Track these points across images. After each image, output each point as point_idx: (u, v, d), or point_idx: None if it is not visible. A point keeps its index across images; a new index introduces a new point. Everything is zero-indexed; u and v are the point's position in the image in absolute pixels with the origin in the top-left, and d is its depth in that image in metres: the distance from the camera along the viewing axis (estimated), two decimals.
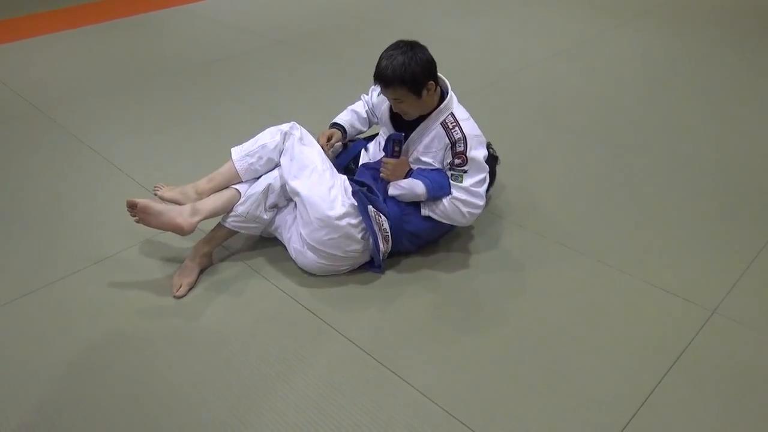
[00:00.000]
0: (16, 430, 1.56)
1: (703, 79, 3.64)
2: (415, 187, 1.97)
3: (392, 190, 2.01)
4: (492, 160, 2.38)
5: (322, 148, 2.12)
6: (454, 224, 2.05)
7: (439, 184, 1.96)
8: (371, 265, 2.08)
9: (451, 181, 1.97)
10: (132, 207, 1.94)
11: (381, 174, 2.04)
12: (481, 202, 1.99)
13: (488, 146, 2.37)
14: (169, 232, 2.06)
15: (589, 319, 1.87)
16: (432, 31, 4.51)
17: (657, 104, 3.33)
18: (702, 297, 1.94)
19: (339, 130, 2.26)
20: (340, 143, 2.26)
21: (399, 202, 2.03)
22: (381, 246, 2.00)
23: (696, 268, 2.08)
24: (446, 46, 4.15)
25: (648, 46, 4.20)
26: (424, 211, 2.02)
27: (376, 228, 1.97)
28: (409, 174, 2.02)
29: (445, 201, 1.97)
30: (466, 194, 1.96)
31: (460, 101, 2.05)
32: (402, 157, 2.07)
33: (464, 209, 1.97)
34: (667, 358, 1.73)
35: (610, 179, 2.62)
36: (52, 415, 1.60)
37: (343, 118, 2.29)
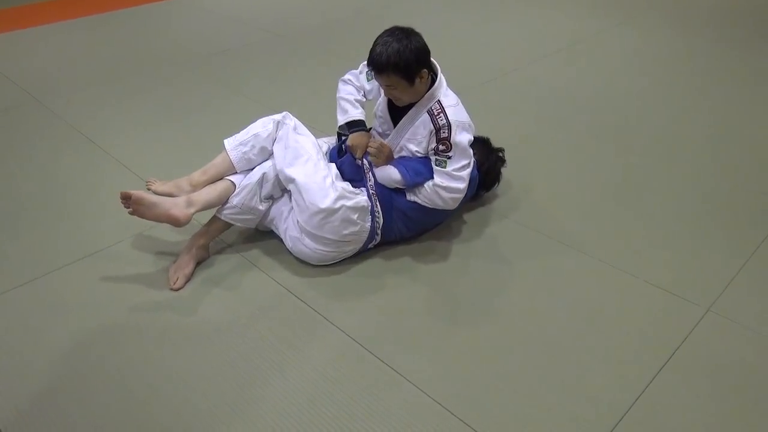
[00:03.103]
0: (11, 419, 1.56)
1: (701, 79, 3.64)
2: (392, 173, 2.02)
3: (377, 175, 2.07)
4: (498, 162, 2.39)
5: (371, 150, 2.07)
6: (439, 209, 2.06)
7: (415, 171, 2.01)
8: (368, 243, 2.09)
9: (435, 167, 2.00)
10: (126, 198, 1.93)
11: (368, 156, 2.07)
12: (463, 186, 2.00)
13: (497, 150, 2.39)
14: (164, 225, 2.05)
15: (585, 315, 1.88)
16: (431, 27, 4.47)
17: (656, 103, 3.33)
18: (697, 295, 1.94)
19: (364, 129, 2.14)
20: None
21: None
22: (377, 207, 2.03)
23: (691, 266, 2.08)
24: (445, 42, 4.15)
25: (647, 45, 4.19)
26: (409, 197, 2.06)
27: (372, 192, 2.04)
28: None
29: (427, 186, 2.01)
30: (448, 179, 1.98)
31: (456, 94, 2.06)
32: (382, 141, 2.09)
33: (445, 195, 2.00)
34: (662, 354, 1.73)
35: (607, 177, 2.62)
36: (47, 405, 1.60)
37: (354, 112, 2.15)
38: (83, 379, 1.68)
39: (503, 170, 2.43)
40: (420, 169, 2.01)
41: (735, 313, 1.87)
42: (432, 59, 2.01)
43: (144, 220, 1.97)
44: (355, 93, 2.20)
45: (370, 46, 1.93)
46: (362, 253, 2.12)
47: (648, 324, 1.84)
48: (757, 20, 4.64)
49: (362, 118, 2.16)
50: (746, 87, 3.49)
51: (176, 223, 1.96)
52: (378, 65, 1.89)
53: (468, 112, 2.05)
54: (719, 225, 2.29)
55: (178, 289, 1.98)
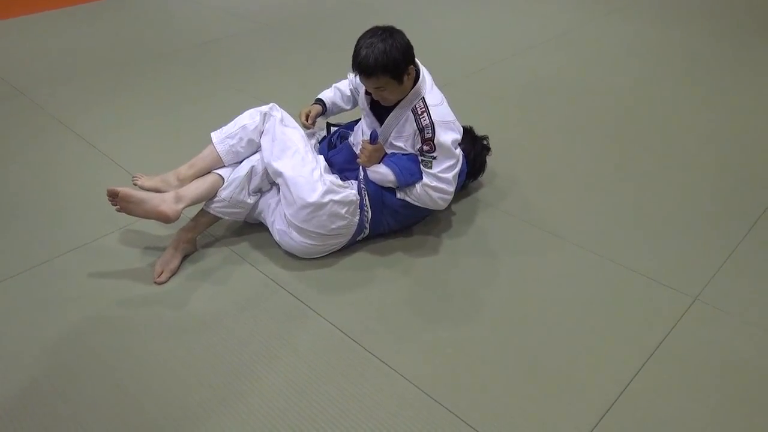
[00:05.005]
0: None
1: (692, 70, 3.64)
2: (387, 175, 2.01)
3: (369, 175, 2.04)
4: (483, 150, 2.38)
5: (304, 123, 2.15)
6: (428, 208, 2.06)
7: (409, 171, 1.99)
8: (356, 236, 2.08)
9: (422, 167, 1.99)
10: (113, 196, 1.90)
11: (358, 159, 2.06)
12: (451, 188, 2.01)
13: (482, 138, 2.38)
14: (151, 220, 2.03)
15: (572, 305, 1.88)
16: (422, 17, 4.47)
17: (645, 93, 3.33)
18: (684, 284, 1.96)
19: (320, 105, 2.26)
20: (315, 126, 2.26)
21: None
22: (366, 202, 2.02)
23: (679, 256, 2.09)
24: (435, 32, 4.12)
25: (638, 35, 4.19)
26: (399, 195, 2.06)
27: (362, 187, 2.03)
28: (383, 159, 2.05)
29: (418, 186, 2.00)
30: (436, 180, 1.98)
31: (441, 87, 2.04)
32: (379, 143, 2.07)
33: (434, 195, 2.00)
34: (649, 344, 1.74)
35: (594, 167, 2.63)
36: (33, 399, 1.59)
37: (326, 94, 2.30)
38: (70, 373, 1.66)
39: (490, 160, 2.42)
40: (413, 169, 2.00)
41: (722, 302, 1.89)
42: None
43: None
44: (347, 86, 2.26)
45: (358, 37, 1.90)
46: (351, 246, 2.11)
47: (636, 313, 1.85)
48: (748, 11, 4.65)
49: (325, 99, 2.27)
50: (736, 78, 3.50)
51: (165, 219, 1.94)
52: (366, 68, 1.85)
53: (453, 108, 2.04)
54: (706, 214, 2.31)
55: (162, 283, 1.97)
